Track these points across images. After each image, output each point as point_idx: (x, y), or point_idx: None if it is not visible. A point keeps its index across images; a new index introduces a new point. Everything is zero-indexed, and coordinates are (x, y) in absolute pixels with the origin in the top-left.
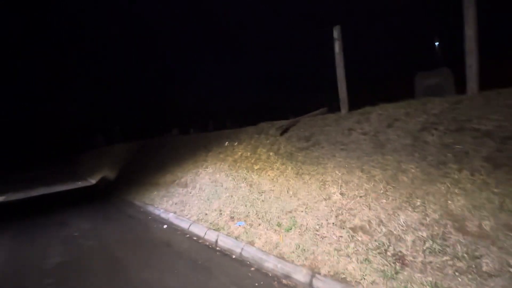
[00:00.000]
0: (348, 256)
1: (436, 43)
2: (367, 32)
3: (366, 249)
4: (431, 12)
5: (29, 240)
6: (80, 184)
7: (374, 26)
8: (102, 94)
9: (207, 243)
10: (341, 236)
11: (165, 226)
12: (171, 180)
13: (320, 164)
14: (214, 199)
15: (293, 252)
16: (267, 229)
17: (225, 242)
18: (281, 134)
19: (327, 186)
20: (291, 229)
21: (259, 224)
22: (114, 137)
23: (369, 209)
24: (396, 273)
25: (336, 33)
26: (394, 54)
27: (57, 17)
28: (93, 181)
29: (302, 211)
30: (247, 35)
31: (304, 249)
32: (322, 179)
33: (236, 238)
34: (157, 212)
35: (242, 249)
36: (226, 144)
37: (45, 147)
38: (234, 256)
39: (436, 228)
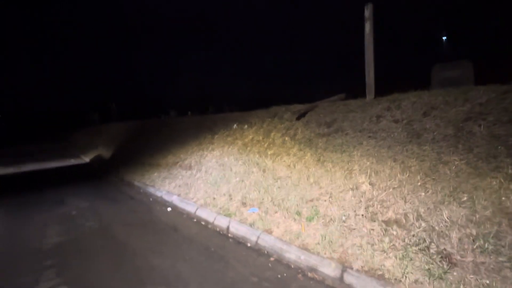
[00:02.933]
0: (383, 251)
1: (444, 38)
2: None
3: (405, 245)
4: (437, 6)
5: (23, 218)
6: (72, 161)
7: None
8: (99, 71)
9: (218, 229)
10: (373, 229)
11: (169, 209)
12: (173, 161)
13: (345, 151)
14: (222, 183)
15: (318, 243)
16: (285, 217)
17: (238, 229)
18: (298, 118)
19: (353, 175)
20: (313, 218)
21: (276, 212)
22: (110, 115)
23: (405, 201)
24: (445, 273)
25: (367, 12)
26: (401, 47)
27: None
28: (86, 159)
29: (325, 200)
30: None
31: (331, 241)
32: (347, 168)
33: (250, 225)
34: (158, 194)
35: (258, 237)
36: (234, 127)
37: (35, 122)
38: (249, 245)
39: (488, 226)
